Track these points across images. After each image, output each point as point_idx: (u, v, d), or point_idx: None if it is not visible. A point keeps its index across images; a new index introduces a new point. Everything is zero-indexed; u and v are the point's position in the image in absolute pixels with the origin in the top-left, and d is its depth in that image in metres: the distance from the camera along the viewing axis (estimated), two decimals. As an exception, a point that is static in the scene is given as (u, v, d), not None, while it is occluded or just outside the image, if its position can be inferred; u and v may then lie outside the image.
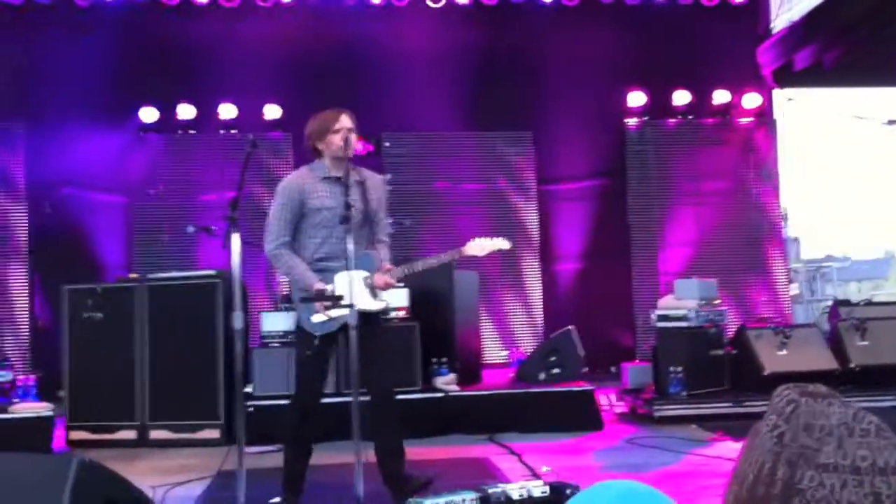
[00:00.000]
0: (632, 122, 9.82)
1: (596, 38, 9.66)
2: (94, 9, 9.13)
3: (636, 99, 9.72)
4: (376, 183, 4.85)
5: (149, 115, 9.21)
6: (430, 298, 7.10)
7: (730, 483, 1.13)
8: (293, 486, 4.71)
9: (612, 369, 8.94)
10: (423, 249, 8.64)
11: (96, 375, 6.85)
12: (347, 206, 4.47)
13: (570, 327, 7.66)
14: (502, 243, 4.85)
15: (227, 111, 9.31)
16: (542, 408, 6.98)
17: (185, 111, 9.25)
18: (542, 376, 7.38)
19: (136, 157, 9.28)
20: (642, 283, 9.64)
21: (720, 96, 9.76)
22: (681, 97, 9.71)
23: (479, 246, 4.80)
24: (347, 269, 4.40)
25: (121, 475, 4.15)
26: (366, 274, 4.63)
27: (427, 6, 9.56)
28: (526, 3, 9.68)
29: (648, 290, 9.47)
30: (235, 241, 4.58)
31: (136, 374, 6.83)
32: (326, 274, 4.64)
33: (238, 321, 4.55)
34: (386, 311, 4.89)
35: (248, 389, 6.88)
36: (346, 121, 4.67)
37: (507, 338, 9.45)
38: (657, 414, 7.06)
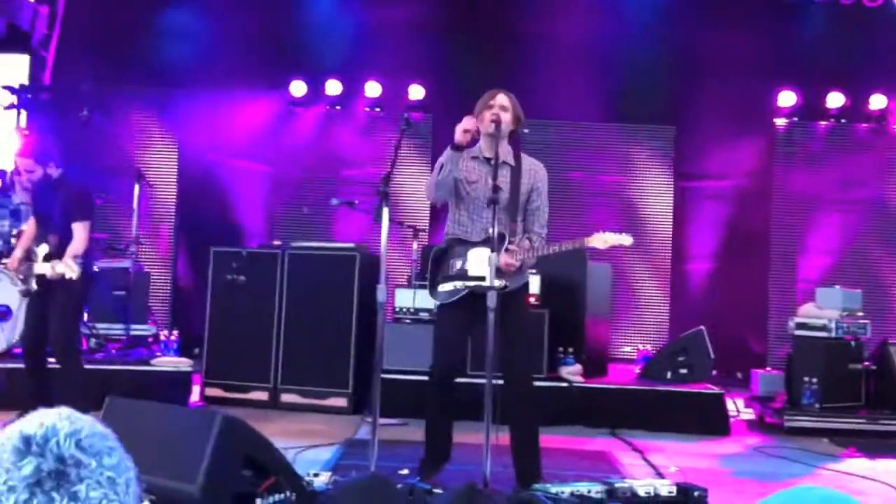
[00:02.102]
0: (781, 122, 9.51)
1: (748, 33, 9.36)
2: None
3: (787, 99, 9.40)
4: (534, 170, 4.81)
5: (298, 89, 9.48)
6: (562, 287, 7.07)
7: None
8: (432, 458, 4.79)
9: (739, 374, 8.73)
10: (553, 239, 8.59)
11: (234, 336, 7.11)
12: (495, 189, 4.48)
13: (701, 328, 7.50)
14: (625, 239, 4.73)
15: (372, 89, 9.48)
16: (668, 407, 6.88)
17: (333, 87, 9.47)
18: (668, 375, 7.27)
19: (283, 129, 9.56)
20: (779, 288, 9.35)
21: (877, 101, 9.33)
22: (834, 99, 9.34)
23: (602, 239, 4.70)
24: (485, 246, 4.44)
25: (261, 434, 4.31)
26: (494, 254, 4.63)
27: (575, -6, 9.47)
28: (676, -6, 9.48)
29: (785, 296, 9.19)
30: (385, 215, 4.65)
31: (272, 338, 7.05)
32: (461, 247, 4.68)
33: (381, 294, 4.63)
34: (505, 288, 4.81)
35: (377, 362, 7.01)
36: (501, 99, 4.69)
37: (632, 333, 9.35)
38: (787, 424, 6.85)
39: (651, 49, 9.46)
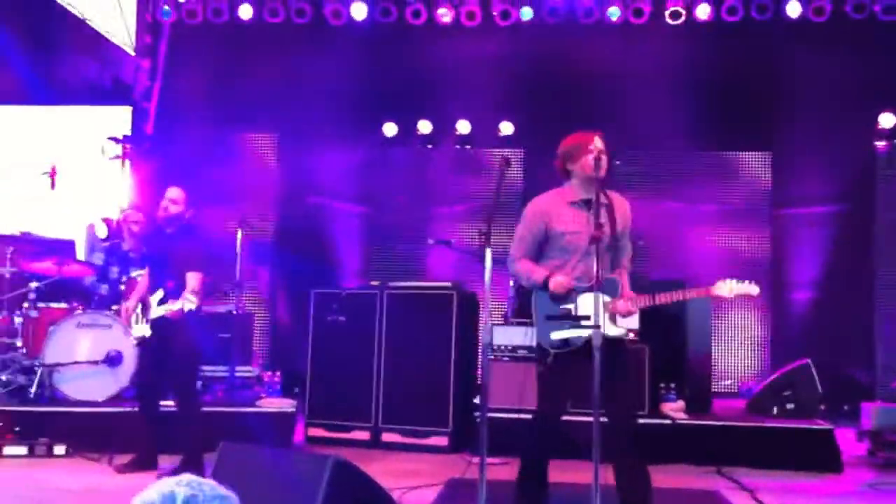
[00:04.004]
0: (881, 144, 9.25)
1: (845, 55, 9.14)
2: (346, 28, 9.63)
3: (887, 121, 9.15)
4: (622, 206, 4.81)
5: (391, 129, 9.65)
6: (661, 321, 6.96)
7: None
8: (525, 495, 4.76)
9: (845, 407, 8.44)
10: (651, 270, 8.51)
11: (335, 376, 7.22)
12: (599, 226, 4.47)
13: (807, 361, 7.29)
14: (752, 288, 4.65)
15: (462, 127, 9.58)
16: (775, 444, 6.68)
17: (424, 127, 9.60)
18: (774, 411, 7.08)
19: (377, 170, 9.72)
20: (886, 317, 9.02)
21: (982, 119, 9.01)
22: (938, 120, 9.05)
23: (728, 287, 4.63)
24: (595, 291, 4.40)
25: (370, 476, 4.34)
26: (608, 299, 4.60)
27: (666, 23, 9.40)
28: (770, 19, 9.31)
29: (893, 324, 8.87)
30: (489, 256, 4.64)
31: (372, 378, 7.12)
32: (570, 295, 4.66)
33: (487, 334, 4.62)
34: (624, 337, 4.81)
35: (476, 400, 7.03)
36: (598, 142, 4.69)
37: (732, 366, 9.15)
38: (902, 459, 6.60)
39: (743, 73, 9.33)
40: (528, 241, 4.79)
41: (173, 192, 5.97)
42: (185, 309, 5.57)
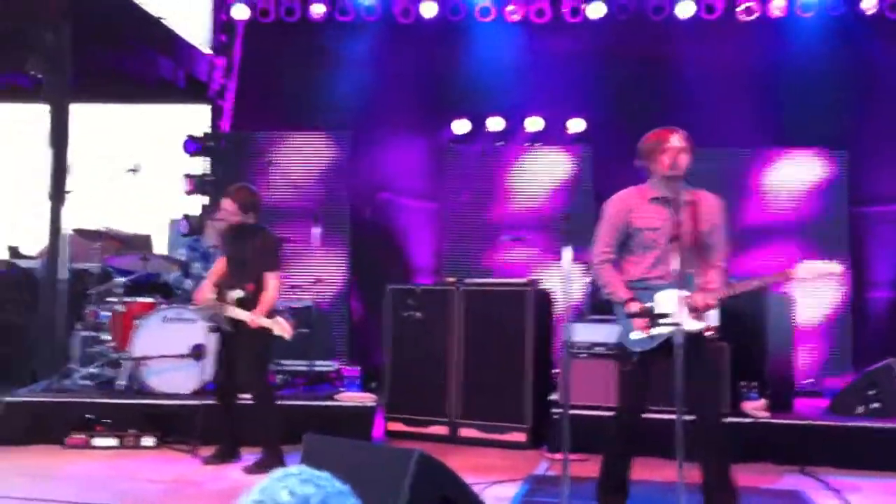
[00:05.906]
0: (965, 139, 9.02)
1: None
2: (415, 25, 9.69)
3: (970, 116, 8.92)
4: (712, 205, 4.76)
5: (461, 126, 9.67)
6: (742, 319, 6.87)
7: None
8: (611, 499, 4.76)
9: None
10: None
11: (413, 371, 7.28)
12: (678, 225, 4.48)
13: (891, 360, 7.15)
14: (834, 267, 4.60)
15: (533, 124, 9.56)
16: (860, 444, 6.56)
17: (495, 124, 9.61)
18: (859, 410, 6.95)
19: (448, 166, 9.76)
20: (971, 315, 8.81)
21: None
22: None
23: (809, 269, 4.57)
24: (673, 288, 4.39)
25: (454, 472, 4.37)
26: (686, 293, 4.56)
27: (737, 19, 9.28)
28: (845, 13, 9.14)
29: (978, 323, 8.65)
30: (567, 253, 4.65)
31: (450, 373, 7.16)
32: (648, 293, 4.64)
33: (569, 332, 4.63)
34: (705, 331, 4.76)
35: (554, 397, 7.03)
36: (676, 141, 4.64)
37: (812, 365, 8.99)
38: None
39: (817, 70, 9.17)
40: (610, 236, 4.76)
41: (229, 205, 6.09)
42: (276, 332, 5.77)
